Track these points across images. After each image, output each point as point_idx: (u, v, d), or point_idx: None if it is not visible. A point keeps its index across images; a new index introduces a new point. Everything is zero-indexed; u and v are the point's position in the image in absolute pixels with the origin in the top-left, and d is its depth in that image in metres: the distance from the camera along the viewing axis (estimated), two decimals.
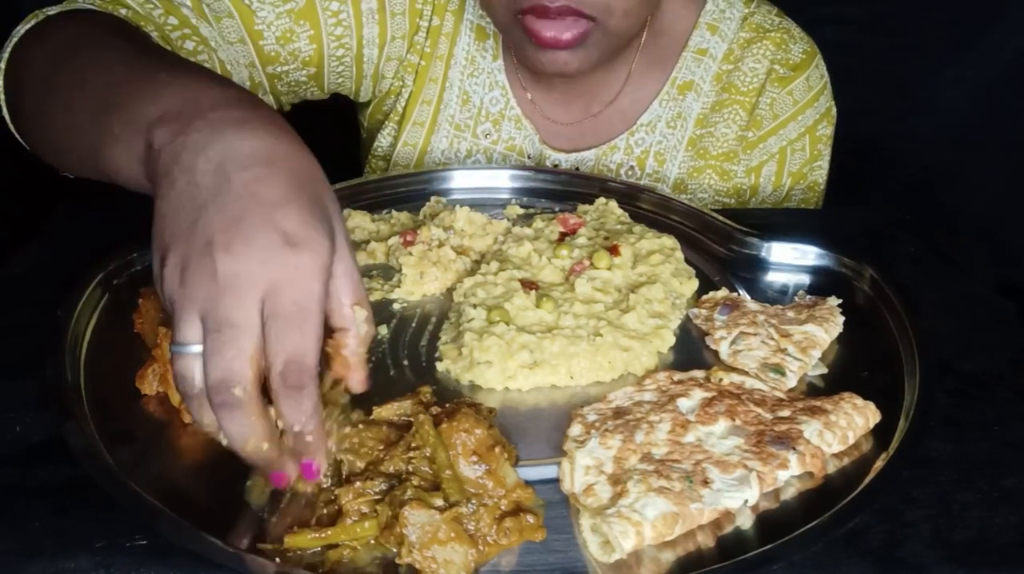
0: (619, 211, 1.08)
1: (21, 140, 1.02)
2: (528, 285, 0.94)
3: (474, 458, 0.71)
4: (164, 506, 0.70)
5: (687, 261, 1.02)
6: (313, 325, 0.64)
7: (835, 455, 0.78)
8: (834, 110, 1.32)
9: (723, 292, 0.98)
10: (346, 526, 0.68)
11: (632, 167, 1.28)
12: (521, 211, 1.13)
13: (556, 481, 0.74)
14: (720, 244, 1.06)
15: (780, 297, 0.99)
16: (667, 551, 0.69)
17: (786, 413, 0.80)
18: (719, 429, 0.78)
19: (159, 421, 0.80)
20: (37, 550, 0.67)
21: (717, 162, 1.28)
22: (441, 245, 1.00)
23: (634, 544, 0.67)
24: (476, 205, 1.08)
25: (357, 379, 0.71)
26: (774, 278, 1.02)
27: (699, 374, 0.85)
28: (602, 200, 1.10)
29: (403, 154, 1.33)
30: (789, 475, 0.75)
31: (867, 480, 0.74)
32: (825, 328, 0.90)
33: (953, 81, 1.79)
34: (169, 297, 0.65)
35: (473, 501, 0.69)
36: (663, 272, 0.97)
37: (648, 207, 1.13)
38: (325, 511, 0.70)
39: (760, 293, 0.99)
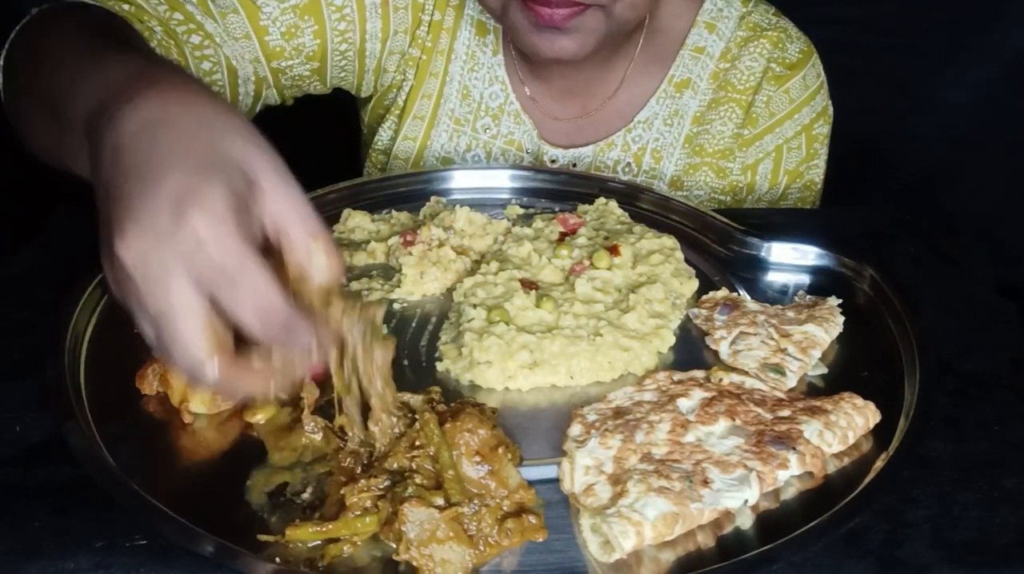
0: (619, 211, 1.08)
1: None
2: (528, 285, 0.94)
3: (477, 458, 0.71)
4: (164, 506, 0.70)
5: (687, 261, 1.02)
6: (252, 273, 0.60)
7: (835, 455, 0.78)
8: (831, 109, 1.32)
9: (723, 292, 0.98)
10: (347, 520, 0.68)
11: (629, 164, 1.29)
12: (521, 211, 1.13)
13: (556, 481, 0.74)
14: (720, 244, 1.06)
15: (780, 297, 0.99)
16: (667, 551, 0.69)
17: (786, 413, 0.80)
18: (719, 429, 0.78)
19: (159, 421, 0.80)
20: (37, 550, 0.67)
21: (713, 159, 1.28)
22: (441, 245, 1.00)
23: (634, 544, 0.67)
24: (476, 205, 1.08)
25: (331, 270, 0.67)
26: (774, 278, 1.02)
27: (699, 374, 0.85)
28: (602, 200, 1.10)
29: (403, 148, 1.33)
30: (789, 475, 0.75)
31: (867, 480, 0.75)
32: (825, 328, 0.90)
33: (953, 81, 1.79)
34: (117, 294, 0.64)
35: (475, 501, 0.69)
36: (663, 272, 0.97)
37: (648, 207, 1.13)
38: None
39: (760, 293, 0.99)
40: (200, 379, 0.62)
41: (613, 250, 0.98)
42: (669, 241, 1.02)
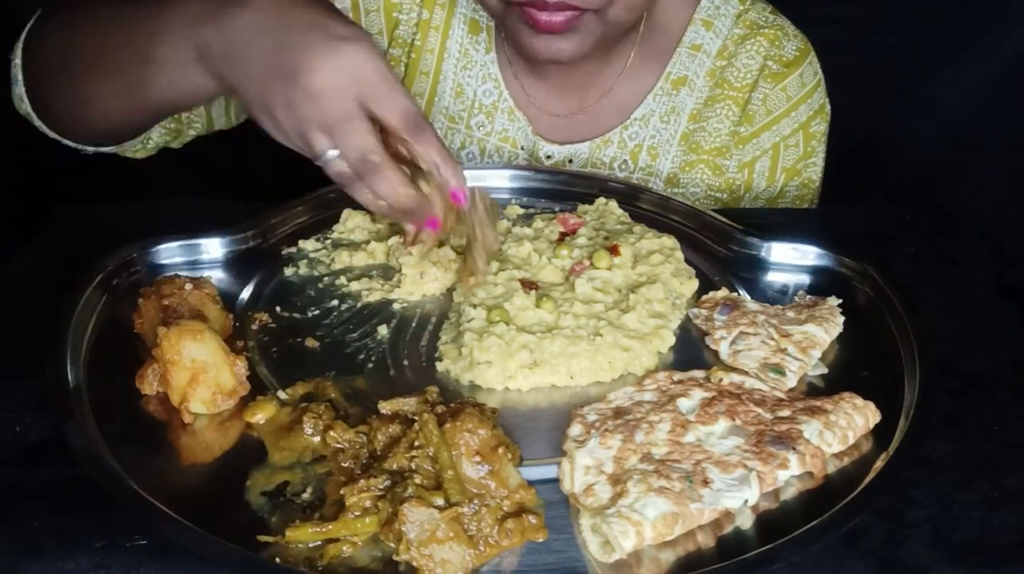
0: (619, 211, 1.08)
1: (44, 126, 1.08)
2: (528, 285, 0.94)
3: (477, 458, 0.71)
4: (164, 506, 0.70)
5: (687, 261, 1.02)
6: (398, 85, 0.85)
7: (835, 455, 0.78)
8: (828, 107, 1.32)
9: (723, 292, 0.98)
10: (347, 521, 0.68)
11: (625, 161, 1.29)
12: (521, 211, 1.13)
13: (556, 481, 0.74)
14: (720, 244, 1.06)
15: (780, 297, 0.99)
16: (667, 551, 0.69)
17: (786, 413, 0.80)
18: (719, 429, 0.78)
19: (159, 421, 0.80)
20: (37, 550, 0.67)
21: (710, 157, 1.28)
22: (441, 245, 1.00)
23: (634, 544, 0.67)
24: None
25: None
26: (774, 278, 1.02)
27: (699, 374, 0.85)
28: (602, 200, 1.10)
29: None
30: (789, 475, 0.75)
31: (867, 480, 0.74)
32: (825, 328, 0.90)
33: (953, 81, 1.79)
34: (293, 131, 0.84)
35: (475, 501, 0.69)
36: (663, 272, 0.97)
37: (648, 207, 1.13)
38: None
39: (760, 293, 0.99)
40: (373, 170, 0.84)
41: (613, 250, 0.98)
42: (669, 241, 1.02)
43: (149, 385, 0.81)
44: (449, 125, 1.31)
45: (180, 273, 0.92)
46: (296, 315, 0.94)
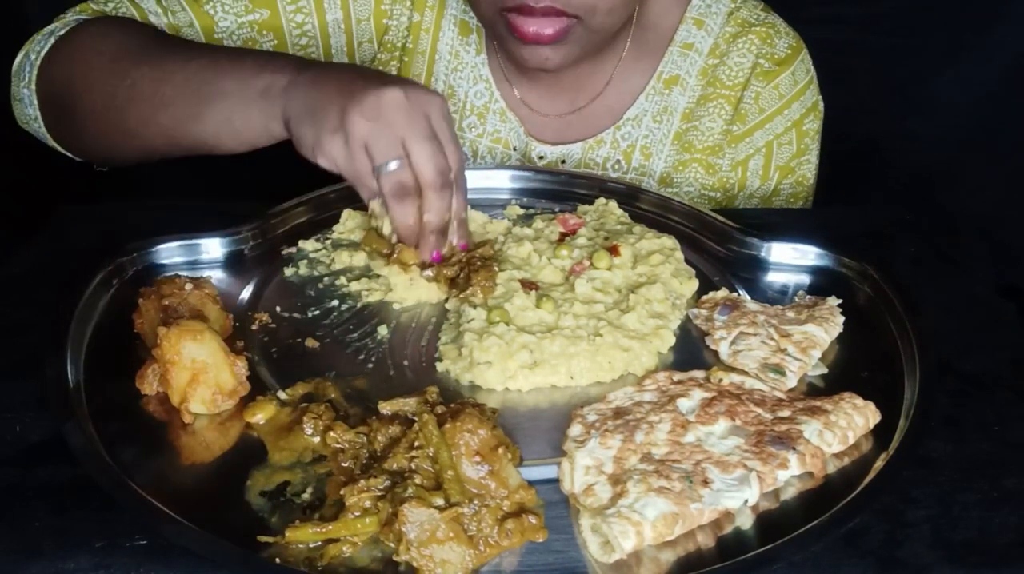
0: (619, 211, 1.08)
1: (55, 143, 1.12)
2: (528, 285, 0.94)
3: (477, 458, 0.71)
4: (164, 506, 0.70)
5: (687, 261, 1.02)
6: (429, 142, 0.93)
7: (835, 455, 0.78)
8: (821, 104, 1.32)
9: (723, 292, 0.98)
10: (347, 521, 0.68)
11: (619, 161, 1.29)
12: (521, 211, 1.13)
13: (556, 481, 0.74)
14: (720, 244, 1.06)
15: (780, 297, 0.99)
16: (667, 551, 0.69)
17: (786, 413, 0.80)
18: (719, 429, 0.78)
19: (159, 421, 0.80)
20: (37, 550, 0.67)
21: (703, 156, 1.28)
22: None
23: (634, 544, 0.67)
24: (476, 205, 1.08)
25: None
26: (774, 278, 1.02)
27: (699, 374, 0.85)
28: (602, 200, 1.10)
29: None
30: (789, 475, 0.75)
31: (867, 480, 0.74)
32: (825, 328, 0.90)
33: (953, 81, 1.79)
34: (358, 140, 0.89)
35: (475, 502, 0.69)
36: (663, 272, 0.97)
37: (648, 207, 1.13)
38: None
39: (760, 293, 0.99)
40: (445, 193, 0.93)
41: (613, 250, 0.98)
42: (669, 241, 1.02)
43: (149, 385, 0.81)
44: None
45: (180, 273, 0.92)
46: (296, 315, 0.94)
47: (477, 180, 1.17)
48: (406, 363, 0.89)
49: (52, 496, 0.72)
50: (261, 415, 0.80)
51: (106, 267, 0.95)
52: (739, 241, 1.05)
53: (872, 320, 0.94)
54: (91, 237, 1.02)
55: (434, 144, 0.91)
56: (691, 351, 0.91)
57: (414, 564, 0.66)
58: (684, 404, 0.80)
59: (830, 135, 1.34)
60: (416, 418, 0.73)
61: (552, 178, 1.19)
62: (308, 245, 1.05)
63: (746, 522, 0.71)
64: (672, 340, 0.91)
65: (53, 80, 1.09)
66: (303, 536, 0.68)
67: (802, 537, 0.69)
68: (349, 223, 1.07)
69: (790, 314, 0.93)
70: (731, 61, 1.27)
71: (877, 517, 0.71)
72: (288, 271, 1.01)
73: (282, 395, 0.82)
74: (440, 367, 0.88)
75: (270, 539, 0.68)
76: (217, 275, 0.98)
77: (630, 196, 1.13)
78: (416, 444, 0.72)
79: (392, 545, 0.67)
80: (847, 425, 0.78)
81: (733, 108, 1.27)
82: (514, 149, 1.30)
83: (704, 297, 0.97)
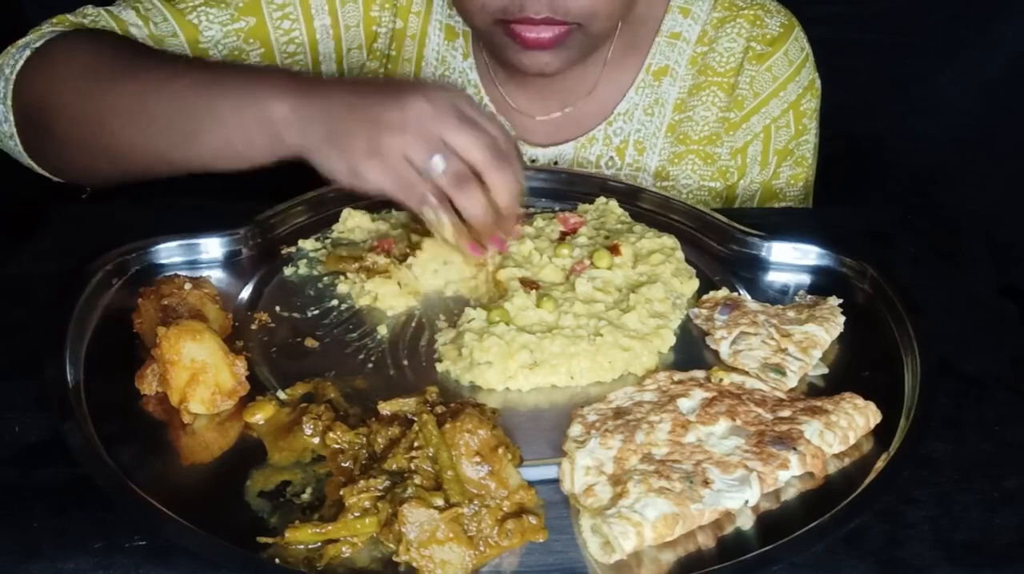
0: (619, 210, 1.08)
1: (32, 162, 1.08)
2: (528, 285, 0.94)
3: (477, 459, 0.71)
4: (164, 506, 0.70)
5: (687, 261, 1.02)
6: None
7: (836, 455, 0.77)
8: (818, 82, 1.29)
9: (723, 292, 0.98)
10: (346, 522, 0.68)
11: (612, 158, 1.28)
12: (521, 210, 1.12)
13: (556, 481, 0.74)
14: (720, 244, 1.06)
15: (780, 297, 0.99)
16: (667, 552, 0.69)
17: (787, 413, 0.79)
18: (719, 429, 0.78)
19: (159, 421, 0.80)
20: (37, 550, 0.67)
21: (699, 146, 1.27)
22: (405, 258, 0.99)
23: (634, 545, 0.67)
24: None
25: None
26: (774, 278, 1.02)
27: (699, 374, 0.85)
28: (602, 199, 1.10)
29: None
30: (790, 475, 0.75)
31: (867, 480, 0.74)
32: (825, 328, 0.90)
33: (953, 81, 1.79)
34: (395, 150, 0.87)
35: (475, 502, 0.69)
36: (663, 272, 0.97)
37: (648, 206, 1.12)
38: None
39: (760, 293, 0.99)
40: (504, 165, 0.89)
41: (613, 250, 0.98)
42: (670, 241, 1.02)
43: (149, 385, 0.81)
44: None
45: (180, 273, 0.92)
46: (295, 315, 0.94)
47: None
48: (406, 363, 0.89)
49: (51, 496, 0.72)
50: (260, 415, 0.80)
51: (106, 267, 0.95)
52: (740, 240, 1.04)
53: (872, 320, 0.94)
54: (91, 237, 1.01)
55: (472, 126, 0.88)
56: (691, 351, 0.91)
57: (414, 564, 0.66)
58: (684, 404, 0.80)
59: (829, 134, 1.34)
60: (416, 418, 0.73)
61: (552, 177, 1.18)
62: (308, 245, 1.05)
63: (746, 522, 0.71)
64: (672, 340, 0.91)
65: (28, 97, 1.05)
66: (303, 536, 0.68)
67: (802, 538, 0.69)
68: (349, 222, 1.07)
69: (791, 314, 0.93)
70: (721, 47, 1.25)
71: (877, 517, 0.71)
72: (287, 271, 1.01)
73: (281, 395, 0.82)
74: (440, 367, 0.88)
75: (269, 539, 0.68)
76: (216, 275, 0.98)
77: (630, 195, 1.13)
78: (416, 444, 0.72)
79: (392, 545, 0.67)
80: (848, 425, 0.78)
81: (728, 95, 1.25)
82: None
83: (704, 297, 0.97)
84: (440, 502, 0.68)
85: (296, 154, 0.91)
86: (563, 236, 1.03)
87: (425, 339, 0.92)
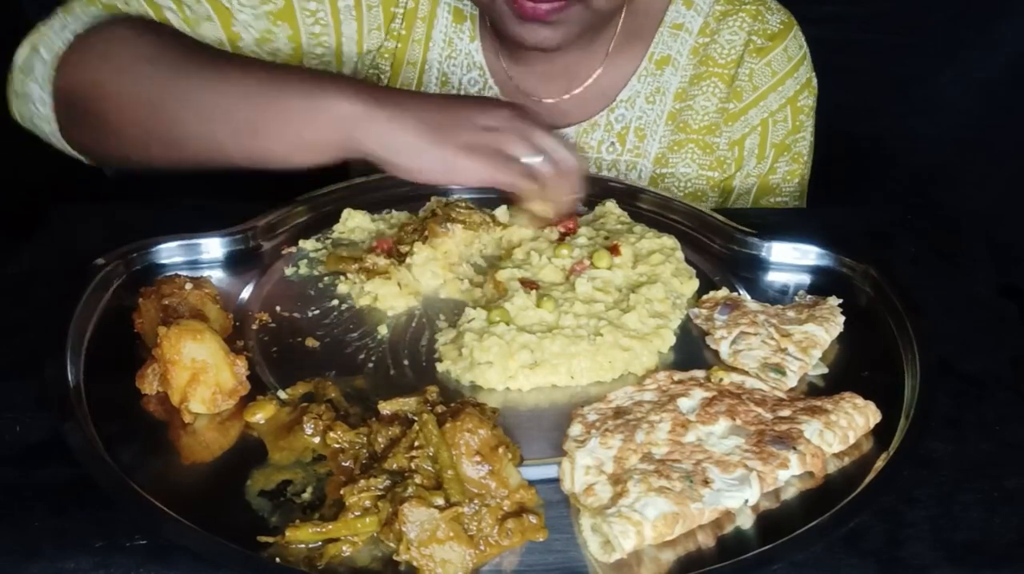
0: (619, 211, 1.08)
1: (65, 145, 1.08)
2: (528, 285, 0.94)
3: (477, 458, 0.71)
4: (164, 506, 0.70)
5: (687, 261, 1.02)
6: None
7: (835, 455, 0.78)
8: (815, 81, 1.32)
9: (723, 292, 0.98)
10: (347, 521, 0.68)
11: (613, 143, 1.29)
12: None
13: (556, 481, 0.74)
14: (720, 244, 1.06)
15: (780, 297, 0.99)
16: (667, 551, 0.69)
17: (786, 413, 0.80)
18: (719, 429, 0.78)
19: (159, 421, 0.80)
20: (37, 550, 0.67)
21: (699, 135, 1.29)
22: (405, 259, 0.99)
23: (634, 544, 0.67)
24: (476, 203, 1.08)
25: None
26: (774, 278, 1.02)
27: (699, 374, 0.85)
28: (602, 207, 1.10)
29: None
30: (789, 475, 0.75)
31: (867, 480, 0.75)
32: (825, 328, 0.90)
33: (953, 81, 1.79)
34: (484, 150, 0.94)
35: (476, 501, 0.69)
36: (663, 272, 0.97)
37: (648, 207, 1.13)
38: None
39: (760, 293, 0.99)
40: (570, 163, 0.98)
41: (613, 250, 0.98)
42: (669, 241, 1.02)
43: (149, 385, 0.81)
44: None
45: (180, 273, 0.92)
46: (296, 315, 0.94)
47: None
48: (406, 363, 0.89)
49: (52, 496, 0.72)
50: (261, 415, 0.80)
51: (106, 267, 0.95)
52: (739, 241, 1.05)
53: (872, 320, 0.94)
54: (91, 237, 1.02)
55: (551, 133, 0.98)
56: (691, 351, 0.91)
57: (414, 564, 0.66)
58: (684, 404, 0.80)
59: (829, 134, 1.34)
60: (416, 418, 0.73)
61: None
62: (308, 245, 1.05)
63: (746, 522, 0.71)
64: (672, 340, 0.91)
65: (77, 82, 1.05)
66: (303, 536, 0.68)
67: (802, 537, 0.69)
68: (349, 223, 1.07)
69: (790, 314, 0.93)
70: (722, 39, 1.27)
71: (877, 517, 0.71)
72: (288, 271, 1.01)
73: (282, 395, 0.82)
74: (440, 367, 0.88)
75: (270, 539, 0.68)
76: (217, 275, 0.98)
77: (630, 195, 1.13)
78: (416, 444, 0.72)
79: (392, 545, 0.67)
80: (847, 425, 0.78)
81: (727, 86, 1.27)
82: None
83: (704, 297, 0.97)
84: (440, 501, 0.68)
85: (365, 152, 0.94)
86: (563, 236, 1.03)
87: (425, 339, 0.92)
